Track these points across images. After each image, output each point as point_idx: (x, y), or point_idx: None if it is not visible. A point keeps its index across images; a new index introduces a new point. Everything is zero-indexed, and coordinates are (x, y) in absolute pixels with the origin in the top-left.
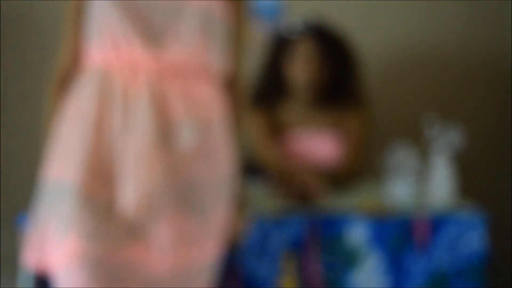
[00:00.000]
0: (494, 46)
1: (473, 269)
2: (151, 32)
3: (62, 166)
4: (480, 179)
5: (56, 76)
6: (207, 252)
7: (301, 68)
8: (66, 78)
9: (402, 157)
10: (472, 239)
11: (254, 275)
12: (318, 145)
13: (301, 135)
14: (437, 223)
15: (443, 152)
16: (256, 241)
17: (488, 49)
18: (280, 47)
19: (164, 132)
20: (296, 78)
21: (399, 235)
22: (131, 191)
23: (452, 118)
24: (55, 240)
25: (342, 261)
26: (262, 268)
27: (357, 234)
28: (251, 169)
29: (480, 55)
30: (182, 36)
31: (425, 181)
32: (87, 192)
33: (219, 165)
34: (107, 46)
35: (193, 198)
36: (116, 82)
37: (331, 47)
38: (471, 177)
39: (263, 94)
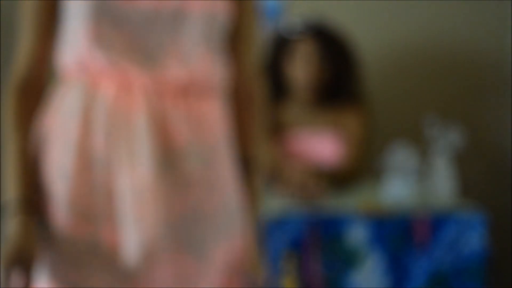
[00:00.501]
0: (494, 46)
1: (473, 269)
2: (146, 52)
3: (40, 197)
4: (480, 179)
5: (13, 83)
6: None
7: (301, 68)
8: (27, 87)
9: (402, 157)
10: (472, 239)
11: None
12: (318, 145)
13: (301, 135)
14: (437, 223)
15: (443, 152)
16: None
17: (488, 49)
18: (280, 47)
19: (166, 160)
20: (296, 78)
21: (399, 235)
22: (131, 233)
23: (452, 118)
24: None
25: (342, 261)
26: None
27: (357, 234)
28: None
29: (480, 55)
30: (185, 52)
31: (425, 181)
32: (69, 234)
33: (225, 194)
34: (90, 65)
35: (194, 234)
36: (106, 99)
37: (331, 47)
38: (471, 177)
39: None
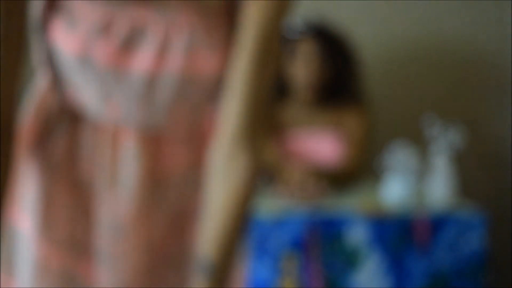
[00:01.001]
0: (494, 46)
1: (473, 269)
2: (141, 123)
3: (18, 211)
4: (480, 179)
5: None
6: None
7: (301, 68)
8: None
9: (402, 157)
10: (472, 239)
11: (254, 276)
12: (318, 145)
13: (301, 135)
14: (437, 223)
15: (443, 152)
16: (256, 241)
17: (488, 49)
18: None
19: (156, 188)
20: (297, 78)
21: (399, 236)
22: (107, 272)
23: (452, 118)
24: None
25: (343, 261)
26: (262, 268)
27: (357, 234)
28: None
29: (480, 55)
30: (188, 116)
31: (425, 181)
32: (44, 264)
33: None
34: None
35: (176, 272)
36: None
37: (332, 47)
38: (471, 177)
39: None
